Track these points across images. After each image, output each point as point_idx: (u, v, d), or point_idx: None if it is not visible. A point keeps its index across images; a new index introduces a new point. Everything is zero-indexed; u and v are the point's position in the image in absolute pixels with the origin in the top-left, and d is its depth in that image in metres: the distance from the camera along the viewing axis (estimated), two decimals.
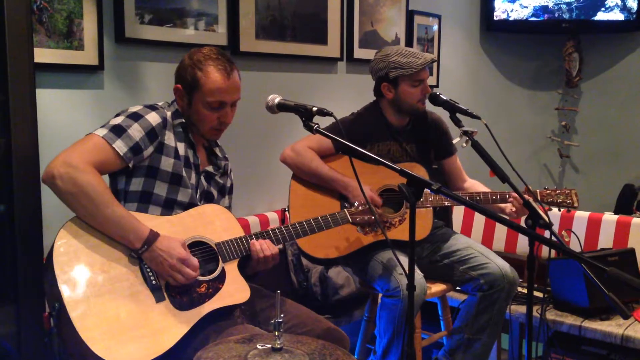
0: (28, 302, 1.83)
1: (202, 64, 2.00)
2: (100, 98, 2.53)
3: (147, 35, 2.64)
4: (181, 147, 2.03)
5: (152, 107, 2.00)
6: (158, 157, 1.97)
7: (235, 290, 1.97)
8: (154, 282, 1.84)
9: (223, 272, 1.98)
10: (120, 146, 1.88)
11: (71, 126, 2.44)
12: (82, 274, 1.76)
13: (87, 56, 2.44)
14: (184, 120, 2.05)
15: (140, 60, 2.68)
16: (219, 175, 2.18)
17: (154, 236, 1.84)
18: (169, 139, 2.00)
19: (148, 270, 1.85)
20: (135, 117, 1.94)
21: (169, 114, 2.02)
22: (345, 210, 2.27)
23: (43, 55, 2.29)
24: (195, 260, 1.88)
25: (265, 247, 2.02)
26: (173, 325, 1.81)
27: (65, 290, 1.72)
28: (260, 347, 1.57)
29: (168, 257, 1.83)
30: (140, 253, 1.83)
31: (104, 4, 2.48)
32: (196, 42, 2.82)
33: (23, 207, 1.81)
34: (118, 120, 1.93)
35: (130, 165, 1.92)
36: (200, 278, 1.92)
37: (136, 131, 1.91)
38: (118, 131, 1.89)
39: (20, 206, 1.80)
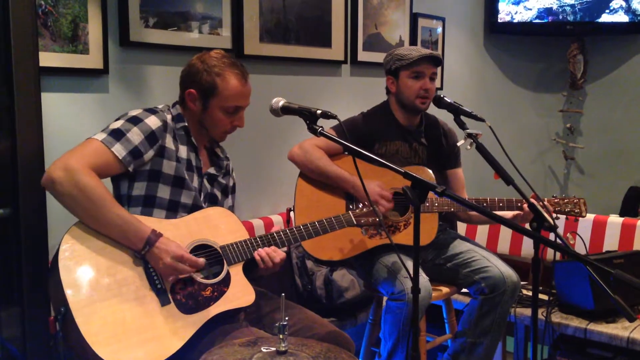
0: (33, 305, 1.83)
1: (218, 69, 2.02)
2: (105, 102, 2.54)
3: (151, 39, 2.65)
4: (183, 151, 2.04)
5: (152, 111, 2.01)
6: (160, 161, 1.97)
7: (240, 293, 1.97)
8: (159, 285, 1.85)
9: (228, 275, 1.98)
10: (119, 150, 1.88)
11: (76, 130, 2.44)
12: (88, 278, 1.76)
13: (92, 60, 2.44)
14: (186, 124, 2.06)
15: (144, 63, 2.68)
16: (222, 176, 2.18)
17: (155, 236, 1.84)
18: (170, 142, 2.00)
19: (153, 273, 1.85)
20: (135, 120, 1.95)
21: (169, 117, 2.03)
22: (350, 212, 2.27)
23: (48, 59, 2.30)
24: (193, 258, 1.87)
25: (269, 257, 2.02)
26: (178, 329, 1.81)
27: (70, 295, 1.72)
28: (264, 350, 1.57)
29: (165, 256, 1.82)
30: (143, 254, 1.84)
31: (109, 7, 2.49)
32: (201, 45, 2.82)
33: (28, 211, 1.81)
34: (117, 124, 1.93)
35: (130, 169, 1.92)
36: (206, 281, 1.92)
37: (135, 135, 1.91)
38: (117, 135, 1.89)
39: (25, 209, 1.80)
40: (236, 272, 2.00)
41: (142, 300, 1.81)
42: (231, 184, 2.24)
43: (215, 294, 1.93)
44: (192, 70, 2.05)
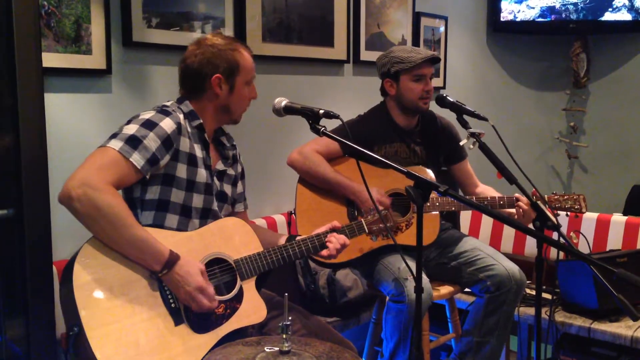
0: (37, 306, 1.83)
1: (231, 46, 2.03)
2: (108, 102, 2.54)
3: (154, 39, 2.65)
4: (197, 149, 1.98)
5: (165, 112, 1.93)
6: (174, 165, 1.92)
7: (252, 309, 1.96)
8: (172, 305, 1.82)
9: (241, 290, 1.96)
10: (138, 159, 1.81)
11: (79, 130, 2.45)
12: (102, 298, 1.73)
13: (94, 60, 2.45)
14: (201, 122, 2.01)
15: (147, 64, 2.69)
16: (230, 168, 2.14)
17: (173, 260, 1.80)
18: (184, 144, 1.94)
19: (167, 292, 1.83)
20: (150, 125, 1.87)
21: (181, 117, 1.96)
22: (362, 219, 2.23)
23: (51, 59, 2.30)
24: (212, 289, 1.84)
25: (332, 243, 2.09)
26: (191, 350, 1.80)
27: (85, 316, 1.68)
28: (268, 350, 1.57)
29: (185, 285, 1.79)
30: (160, 276, 1.80)
31: (112, 8, 2.50)
32: None
33: (32, 211, 1.81)
34: (132, 129, 1.85)
35: (147, 176, 1.87)
36: (219, 298, 1.89)
37: (152, 141, 1.84)
38: (134, 142, 1.82)
39: (29, 210, 1.80)
40: (249, 287, 1.98)
41: (155, 320, 1.78)
42: (239, 170, 2.20)
43: (228, 311, 1.91)
44: (206, 57, 2.00)
